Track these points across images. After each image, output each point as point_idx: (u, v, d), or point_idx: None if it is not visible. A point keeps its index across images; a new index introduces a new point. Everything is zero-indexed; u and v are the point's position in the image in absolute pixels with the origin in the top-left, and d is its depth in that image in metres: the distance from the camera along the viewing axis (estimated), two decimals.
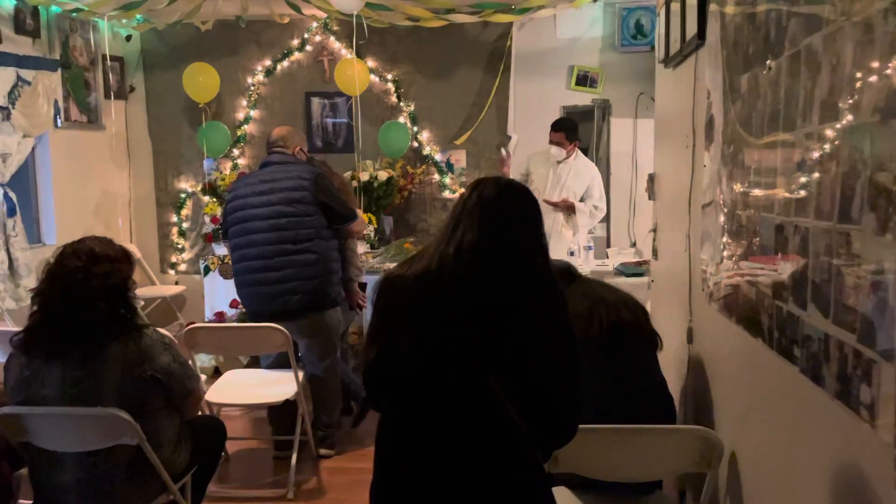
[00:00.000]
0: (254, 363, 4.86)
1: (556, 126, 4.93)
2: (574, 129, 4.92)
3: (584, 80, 5.56)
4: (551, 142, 4.89)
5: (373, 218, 5.40)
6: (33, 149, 4.78)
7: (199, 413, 2.90)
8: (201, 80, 5.48)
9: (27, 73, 4.55)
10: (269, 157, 3.75)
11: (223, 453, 3.78)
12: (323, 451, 3.76)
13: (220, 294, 5.05)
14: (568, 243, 4.90)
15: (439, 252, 1.80)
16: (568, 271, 2.64)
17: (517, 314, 1.74)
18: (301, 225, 3.51)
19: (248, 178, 3.76)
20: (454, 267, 1.76)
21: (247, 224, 3.56)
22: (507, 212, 1.82)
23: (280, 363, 3.67)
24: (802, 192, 1.47)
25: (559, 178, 4.95)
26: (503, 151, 5.12)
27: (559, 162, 4.93)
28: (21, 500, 2.56)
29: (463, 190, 1.96)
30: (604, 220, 5.68)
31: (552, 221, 4.88)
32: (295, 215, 3.51)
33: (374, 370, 1.81)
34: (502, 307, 1.73)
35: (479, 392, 1.70)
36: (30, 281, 4.42)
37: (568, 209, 4.92)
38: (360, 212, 3.91)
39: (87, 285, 2.26)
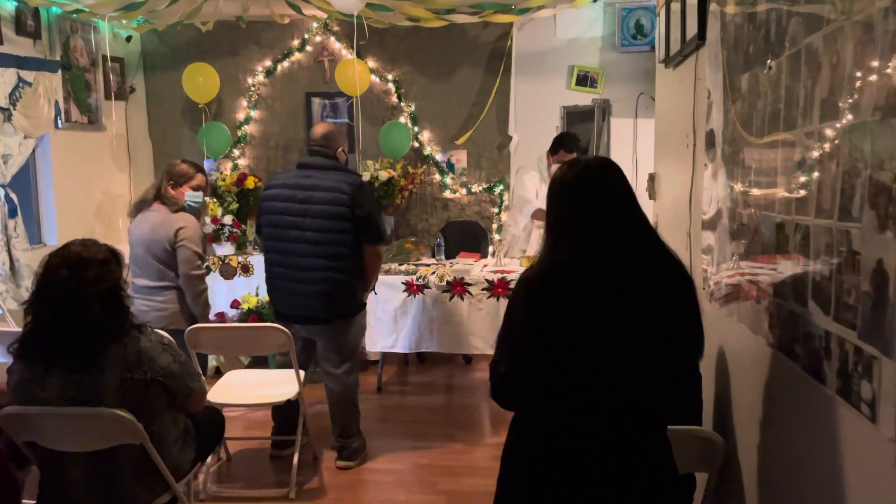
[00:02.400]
0: (256, 363, 4.87)
1: (571, 147, 4.70)
2: None
3: (584, 80, 5.56)
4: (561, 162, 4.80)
5: None
6: (34, 150, 4.78)
7: None
8: (201, 81, 5.48)
9: (28, 75, 4.56)
10: (310, 158, 3.60)
11: (226, 452, 3.81)
12: (340, 464, 3.70)
13: (220, 294, 5.05)
14: None
15: (562, 245, 1.83)
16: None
17: (658, 287, 1.80)
18: (337, 242, 3.44)
19: (287, 179, 3.59)
20: (587, 255, 1.80)
21: (282, 231, 3.51)
22: (616, 189, 1.86)
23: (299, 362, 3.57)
24: (803, 191, 1.47)
25: None
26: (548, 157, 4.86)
27: None
28: (24, 501, 2.57)
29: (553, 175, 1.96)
30: None
31: None
32: (331, 231, 3.43)
33: (529, 370, 1.84)
34: (644, 284, 1.79)
35: (641, 378, 1.78)
36: (31, 282, 4.41)
37: None
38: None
39: (81, 293, 2.21)
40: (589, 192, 1.85)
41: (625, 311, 1.77)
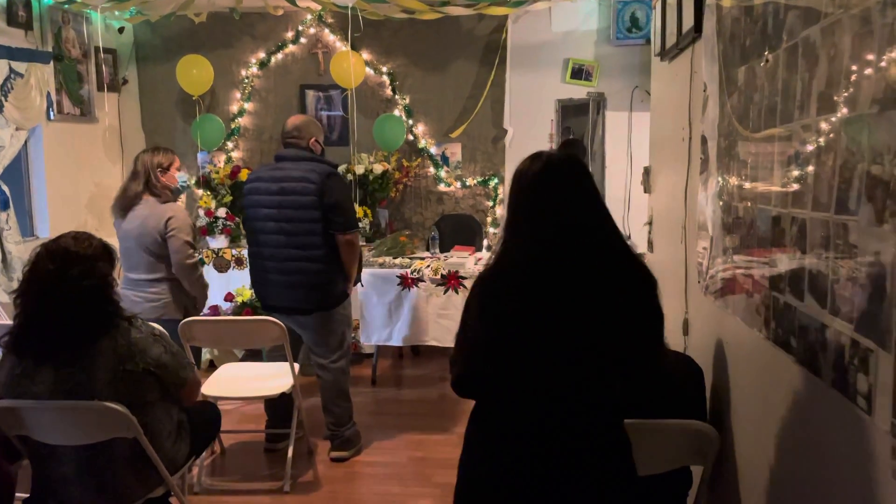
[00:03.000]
0: (249, 357, 4.86)
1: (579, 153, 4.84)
2: None
3: (579, 73, 5.56)
4: None
5: (368, 211, 5.40)
6: (26, 142, 4.75)
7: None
8: (195, 73, 5.45)
9: (19, 66, 4.52)
10: (283, 150, 3.61)
11: (220, 445, 3.80)
12: (334, 454, 3.70)
13: (214, 287, 5.02)
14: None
15: (519, 243, 1.81)
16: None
17: (617, 288, 1.78)
18: (309, 232, 3.44)
19: (263, 172, 3.62)
20: (545, 255, 1.77)
21: (259, 223, 3.55)
22: (578, 187, 1.83)
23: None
24: (799, 184, 1.47)
25: None
26: None
27: None
28: (18, 494, 2.56)
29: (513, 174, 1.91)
30: None
31: None
32: (303, 221, 3.44)
33: (482, 369, 1.83)
34: (602, 285, 1.76)
35: (594, 378, 1.76)
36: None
37: None
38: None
39: (64, 288, 2.20)
40: (550, 189, 1.80)
41: (580, 312, 1.75)
